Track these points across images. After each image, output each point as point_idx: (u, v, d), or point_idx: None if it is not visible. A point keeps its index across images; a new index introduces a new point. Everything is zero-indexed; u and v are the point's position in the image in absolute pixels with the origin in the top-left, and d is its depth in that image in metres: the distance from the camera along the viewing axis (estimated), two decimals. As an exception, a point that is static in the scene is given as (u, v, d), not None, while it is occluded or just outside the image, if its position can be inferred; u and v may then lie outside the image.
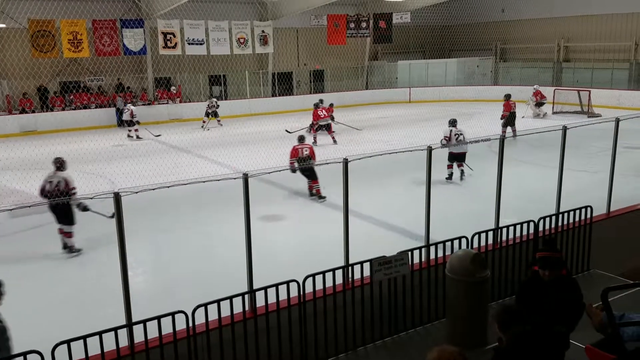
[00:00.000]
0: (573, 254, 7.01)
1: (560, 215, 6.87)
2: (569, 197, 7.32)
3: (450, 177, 11.66)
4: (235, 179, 5.02)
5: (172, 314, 4.58)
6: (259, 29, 24.91)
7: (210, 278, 6.99)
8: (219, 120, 22.26)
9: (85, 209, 8.06)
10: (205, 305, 4.71)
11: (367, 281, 5.53)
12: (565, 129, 7.08)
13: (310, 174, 10.46)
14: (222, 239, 8.54)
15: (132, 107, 19.67)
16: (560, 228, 6.84)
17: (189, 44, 22.67)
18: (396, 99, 28.00)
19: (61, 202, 7.88)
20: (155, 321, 4.52)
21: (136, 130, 19.39)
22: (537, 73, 27.65)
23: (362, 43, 29.73)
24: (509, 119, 16.85)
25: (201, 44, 23.01)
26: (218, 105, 22.48)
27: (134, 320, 4.60)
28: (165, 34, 22.22)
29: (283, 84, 27.76)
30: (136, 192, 4.55)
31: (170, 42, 22.38)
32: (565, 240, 6.91)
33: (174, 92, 24.25)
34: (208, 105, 22.32)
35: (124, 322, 4.59)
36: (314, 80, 29.32)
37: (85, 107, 22.77)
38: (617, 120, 7.58)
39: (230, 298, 4.83)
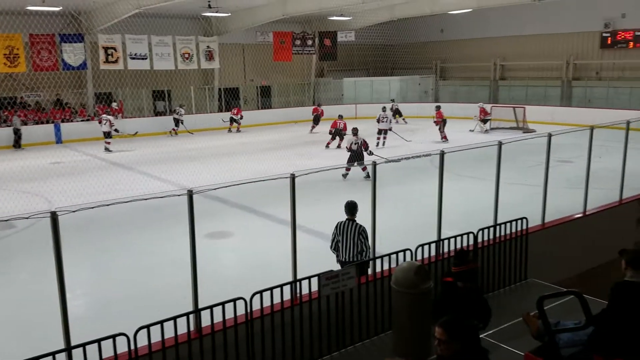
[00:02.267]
0: (510, 264, 7.29)
1: (498, 227, 7.14)
2: (506, 209, 7.62)
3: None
4: (179, 195, 4.92)
5: (113, 337, 4.41)
6: (204, 44, 24.75)
7: (154, 298, 6.80)
8: (175, 131, 23.40)
9: None
10: (148, 326, 4.57)
11: (315, 296, 5.54)
12: (500, 144, 7.40)
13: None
14: (166, 257, 8.34)
15: (109, 117, 19.85)
16: (497, 239, 7.10)
17: (131, 58, 22.24)
18: (343, 115, 28.39)
19: None
20: (95, 345, 4.35)
21: (108, 142, 19.51)
22: (475, 91, 28.81)
23: (308, 60, 30.06)
24: (442, 125, 19.97)
25: (144, 59, 22.64)
26: (182, 114, 23.65)
27: (72, 343, 4.41)
28: (106, 49, 21.73)
29: (230, 100, 27.60)
30: (74, 211, 4.39)
31: (112, 57, 21.88)
32: (502, 251, 7.18)
33: (116, 107, 23.63)
34: (176, 112, 23.67)
35: (62, 346, 4.39)
36: (261, 96, 29.32)
37: (24, 124, 21.79)
38: (550, 136, 7.98)
39: (174, 318, 4.70)
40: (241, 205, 11.11)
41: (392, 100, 27.14)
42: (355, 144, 13.99)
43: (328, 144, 19.82)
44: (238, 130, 24.38)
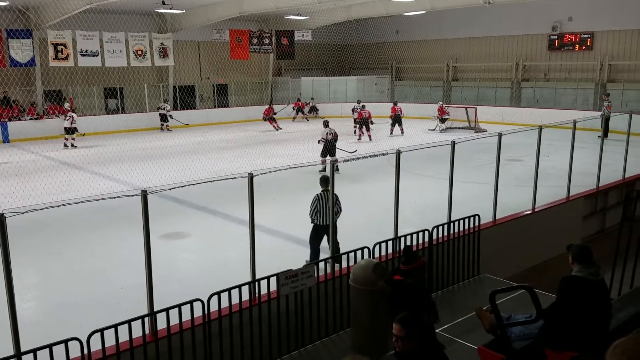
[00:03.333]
0: (464, 259, 7.49)
1: (452, 224, 7.32)
2: (460, 206, 7.82)
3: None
4: (133, 196, 4.82)
5: (65, 341, 4.28)
6: (158, 41, 24.25)
7: (107, 302, 6.63)
8: (167, 126, 24.04)
9: None
10: (102, 330, 4.46)
11: (274, 295, 5.54)
12: (453, 143, 7.59)
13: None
14: (120, 259, 8.14)
15: (73, 115, 19.78)
16: (451, 235, 7.28)
17: (82, 55, 21.55)
18: (301, 114, 28.43)
19: None
20: (47, 350, 4.21)
21: (73, 138, 19.61)
22: (429, 91, 29.38)
23: (266, 58, 29.92)
24: (394, 120, 21.28)
25: (95, 56, 22.00)
26: (167, 109, 24.21)
27: (23, 349, 4.25)
28: (55, 45, 20.99)
29: (185, 98, 27.16)
30: (22, 213, 4.23)
31: (62, 54, 21.15)
32: (456, 247, 7.37)
33: (67, 108, 22.87)
34: (161, 108, 24.20)
35: (12, 352, 4.22)
36: (217, 94, 28.98)
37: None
38: (500, 135, 8.25)
39: (129, 322, 4.61)
40: (198, 205, 10.95)
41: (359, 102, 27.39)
42: (329, 134, 14.55)
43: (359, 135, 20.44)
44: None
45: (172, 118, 24.27)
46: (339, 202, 7.47)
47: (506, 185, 9.20)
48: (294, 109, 28.03)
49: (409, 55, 30.55)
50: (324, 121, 15.42)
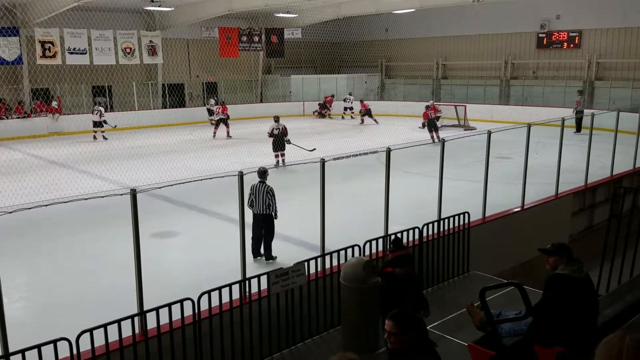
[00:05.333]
0: (453, 257, 7.53)
1: (442, 222, 7.35)
2: (449, 204, 7.86)
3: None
4: (122, 195, 4.79)
5: (54, 342, 4.25)
6: (147, 38, 24.09)
7: (97, 301, 6.58)
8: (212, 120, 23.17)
9: None
10: (91, 330, 4.43)
11: (265, 294, 5.53)
12: (443, 141, 7.62)
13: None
14: (110, 259, 8.08)
15: (101, 109, 20.62)
16: (441, 233, 7.32)
17: (69, 53, 21.37)
18: (290, 112, 28.37)
19: None
20: (36, 350, 4.17)
21: (103, 131, 20.45)
22: (418, 89, 29.44)
23: (255, 56, 29.82)
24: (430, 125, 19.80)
25: (83, 54, 21.83)
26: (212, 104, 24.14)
27: (11, 350, 4.21)
28: (43, 43, 20.79)
29: (174, 96, 27.01)
30: (10, 212, 4.19)
31: (49, 52, 20.96)
32: (446, 245, 7.41)
33: (55, 107, 22.65)
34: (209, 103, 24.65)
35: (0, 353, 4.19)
36: (207, 92, 28.85)
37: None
38: (489, 133, 8.29)
39: (118, 321, 4.58)
40: (188, 204, 10.91)
41: (350, 94, 28.57)
42: (276, 129, 14.89)
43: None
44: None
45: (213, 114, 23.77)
46: (271, 194, 7.84)
47: (495, 183, 9.25)
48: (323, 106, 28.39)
49: (398, 53, 30.59)
50: (274, 116, 15.66)
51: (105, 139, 20.48)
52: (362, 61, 30.25)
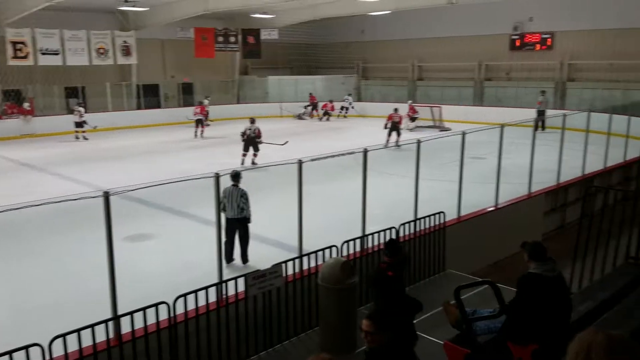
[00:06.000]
0: (430, 256, 7.60)
1: (418, 221, 7.42)
2: (425, 204, 7.93)
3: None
4: (94, 197, 4.71)
5: (26, 347, 4.16)
6: (121, 39, 23.78)
7: (70, 306, 6.46)
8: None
9: None
10: (64, 335, 4.35)
11: (242, 296, 5.50)
12: (419, 142, 7.69)
13: None
14: (83, 263, 7.94)
15: (81, 109, 20.41)
16: (418, 233, 7.38)
17: (42, 54, 21.00)
18: (268, 113, 28.29)
19: None
20: (7, 357, 4.08)
21: (84, 131, 20.26)
22: (394, 90, 29.65)
23: (232, 57, 29.64)
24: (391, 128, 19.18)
25: (56, 54, 21.47)
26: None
27: (-22, 358, 4.11)
28: (14, 43, 20.37)
29: (149, 97, 26.67)
30: (-22, 217, 4.09)
31: (21, 52, 20.57)
32: (422, 244, 7.47)
33: (27, 108, 22.14)
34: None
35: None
36: (183, 93, 28.56)
37: None
38: (464, 134, 8.40)
39: (92, 326, 4.50)
40: (163, 206, 10.78)
41: (349, 95, 29.06)
42: (249, 129, 15.02)
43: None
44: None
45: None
46: (245, 197, 7.73)
47: (470, 183, 9.36)
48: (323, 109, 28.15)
49: (374, 55, 30.78)
50: (250, 118, 15.70)
51: (86, 139, 20.30)
52: (339, 62, 30.34)
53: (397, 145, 17.32)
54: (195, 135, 20.97)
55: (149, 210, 10.68)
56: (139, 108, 26.23)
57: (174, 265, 7.96)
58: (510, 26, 26.02)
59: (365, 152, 6.97)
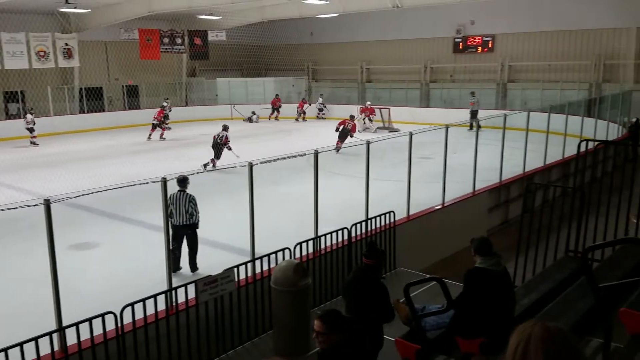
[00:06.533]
0: (383, 260, 7.71)
1: (369, 221, 7.52)
2: (376, 204, 8.05)
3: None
4: (35, 205, 4.52)
5: (-39, 367, 3.95)
6: (62, 41, 22.95)
7: (12, 319, 6.17)
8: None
9: None
10: (5, 349, 4.16)
11: (193, 303, 5.41)
12: (368, 143, 7.80)
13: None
14: (24, 273, 7.60)
15: (28, 115, 20.06)
16: (369, 232, 7.48)
17: (-22, 57, 19.96)
18: (217, 115, 27.95)
19: None
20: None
21: (34, 137, 19.94)
22: (344, 92, 29.93)
23: (179, 59, 29.10)
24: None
25: (-7, 58, 20.48)
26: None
27: None
28: (-51, 47, 19.30)
29: (93, 100, 25.84)
30: None
31: (-44, 56, 19.51)
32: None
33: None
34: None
35: None
36: (127, 95, 27.81)
37: None
38: (411, 135, 8.59)
39: (36, 339, 4.33)
40: (108, 213, 10.46)
41: (321, 95, 28.77)
42: (218, 135, 15.08)
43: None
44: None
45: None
46: (194, 202, 7.50)
47: (418, 182, 9.57)
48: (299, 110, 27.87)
49: (324, 57, 30.98)
50: (223, 125, 15.75)
51: (36, 144, 19.82)
52: (289, 64, 30.33)
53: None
54: (149, 138, 20.71)
55: (93, 217, 10.35)
56: (82, 112, 25.39)
57: (120, 274, 7.74)
58: (454, 29, 26.78)
59: (317, 153, 7.01)
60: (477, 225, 10.07)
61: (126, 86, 27.62)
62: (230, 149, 14.88)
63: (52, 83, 24.38)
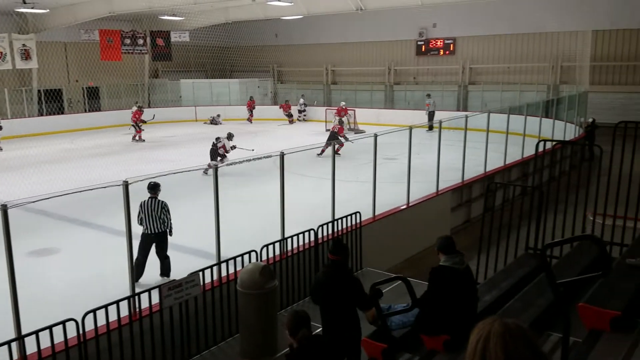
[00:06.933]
0: (349, 255, 7.75)
1: (335, 222, 7.56)
2: (342, 204, 8.10)
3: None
4: (-10, 212, 4.38)
5: None
6: (19, 42, 22.28)
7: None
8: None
9: None
10: (-41, 362, 4.01)
11: (157, 309, 5.33)
12: (334, 145, 7.84)
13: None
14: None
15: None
16: (336, 233, 7.52)
17: None
18: (182, 117, 27.58)
19: None
20: None
21: None
22: (310, 94, 30.01)
23: (141, 60, 28.59)
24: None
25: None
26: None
27: None
28: None
29: (52, 102, 25.13)
30: None
31: None
32: (341, 245, 7.61)
33: None
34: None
35: None
36: (88, 97, 27.15)
37: None
38: (375, 136, 8.68)
39: (-7, 350, 4.19)
40: (69, 217, 10.19)
41: (302, 96, 28.35)
42: (218, 141, 14.94)
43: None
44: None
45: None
46: (166, 209, 7.29)
47: (384, 183, 9.68)
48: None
49: (289, 59, 30.97)
50: (227, 133, 15.58)
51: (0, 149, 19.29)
52: (254, 66, 30.20)
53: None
54: (139, 139, 20.92)
55: (54, 222, 10.07)
56: (41, 114, 24.67)
57: (82, 280, 7.55)
58: (416, 32, 27.20)
59: (282, 155, 7.00)
60: (441, 224, 10.25)
61: (87, 88, 26.98)
62: (225, 156, 14.60)
63: (10, 85, 23.66)
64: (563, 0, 21.90)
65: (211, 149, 15.00)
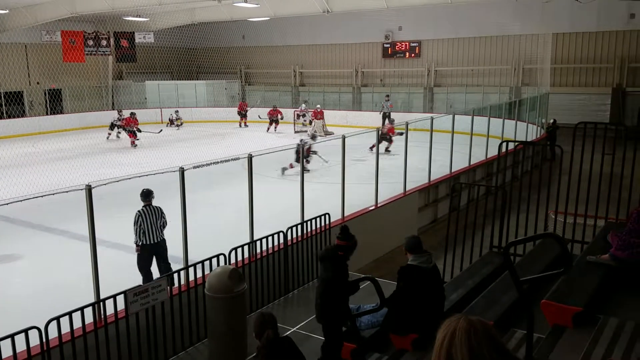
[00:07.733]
0: (317, 257, 7.77)
1: (304, 224, 7.57)
2: (312, 206, 8.11)
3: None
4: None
5: None
6: (-24, 43, 21.52)
7: None
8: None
9: None
10: None
11: (123, 314, 5.23)
12: (302, 146, 7.85)
13: None
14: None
15: None
16: (305, 235, 7.53)
17: None
18: (147, 119, 27.12)
19: None
20: None
21: None
22: (278, 96, 29.96)
23: (104, 61, 28.03)
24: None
25: None
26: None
27: None
28: None
29: (12, 105, 24.40)
30: None
31: None
32: (310, 246, 7.64)
33: None
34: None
35: None
36: (50, 100, 26.44)
37: None
38: (344, 138, 8.73)
39: (-50, 361, 4.04)
40: (31, 223, 9.91)
41: (305, 102, 27.67)
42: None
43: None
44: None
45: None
46: (164, 215, 7.16)
47: (352, 184, 9.73)
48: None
49: (257, 60, 30.85)
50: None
51: None
52: (220, 67, 29.96)
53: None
54: (133, 144, 20.55)
55: (16, 228, 9.78)
56: (1, 117, 23.91)
57: (45, 287, 7.36)
58: (382, 35, 27.48)
59: (250, 157, 6.97)
60: (409, 224, 10.38)
61: (48, 90, 26.28)
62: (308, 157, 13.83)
63: (-34, 87, 22.85)
64: (525, 4, 22.46)
65: (296, 150, 14.52)
